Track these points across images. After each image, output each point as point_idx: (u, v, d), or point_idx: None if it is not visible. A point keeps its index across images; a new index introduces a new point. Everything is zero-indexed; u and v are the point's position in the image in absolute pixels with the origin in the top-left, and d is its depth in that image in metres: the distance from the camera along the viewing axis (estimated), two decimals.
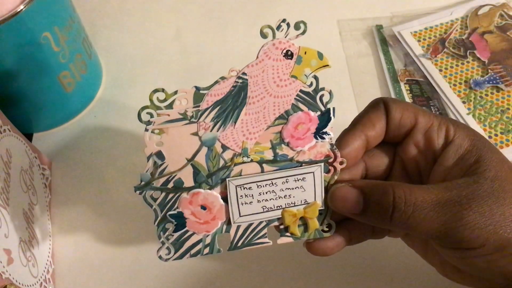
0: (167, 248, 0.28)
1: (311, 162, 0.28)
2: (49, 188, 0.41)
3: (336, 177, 0.28)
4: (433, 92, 0.46)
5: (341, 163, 0.28)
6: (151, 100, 0.25)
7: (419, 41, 0.49)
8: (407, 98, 0.46)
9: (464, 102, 0.45)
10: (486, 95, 0.45)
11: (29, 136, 0.44)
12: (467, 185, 0.25)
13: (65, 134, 0.45)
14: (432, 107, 0.45)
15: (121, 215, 0.40)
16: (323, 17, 0.53)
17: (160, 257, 0.28)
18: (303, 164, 0.28)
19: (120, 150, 0.44)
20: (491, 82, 0.46)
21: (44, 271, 0.35)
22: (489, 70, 0.46)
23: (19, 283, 0.30)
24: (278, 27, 0.25)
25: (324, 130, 0.27)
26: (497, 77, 0.46)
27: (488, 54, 0.48)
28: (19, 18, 0.35)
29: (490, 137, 0.42)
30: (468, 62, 0.47)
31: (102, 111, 0.46)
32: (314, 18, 0.53)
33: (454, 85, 0.46)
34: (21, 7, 0.35)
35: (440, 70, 0.47)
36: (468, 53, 0.48)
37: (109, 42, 0.51)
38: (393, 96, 0.46)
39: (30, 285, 0.32)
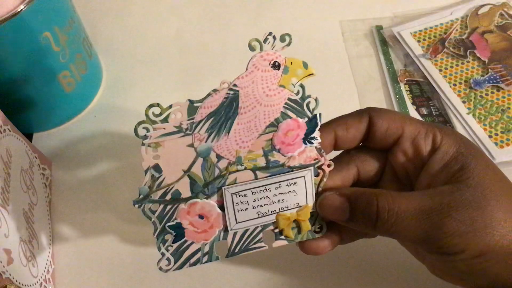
0: (167, 259, 0.28)
1: (301, 167, 0.28)
2: (49, 188, 0.41)
3: (325, 180, 0.29)
4: (433, 92, 0.46)
5: (329, 165, 0.29)
6: (147, 115, 0.25)
7: (419, 41, 0.49)
8: (407, 99, 0.46)
9: (464, 102, 0.45)
10: (486, 94, 0.45)
11: (29, 136, 0.44)
12: (449, 193, 0.26)
13: (65, 134, 0.45)
14: (432, 107, 0.45)
15: (121, 215, 0.40)
16: (325, 18, 0.53)
17: (160, 268, 0.28)
18: (294, 169, 0.28)
19: (120, 150, 0.44)
20: (491, 82, 0.46)
21: (44, 271, 0.35)
22: (489, 70, 0.46)
23: (19, 283, 0.30)
24: (265, 40, 0.26)
25: (312, 136, 0.28)
26: (497, 77, 0.46)
27: (488, 53, 0.47)
28: (19, 18, 0.35)
29: (490, 136, 0.42)
30: (468, 61, 0.47)
31: (102, 111, 0.46)
32: (316, 18, 0.53)
33: (454, 85, 0.46)
34: (21, 7, 0.35)
35: (440, 70, 0.47)
36: (468, 53, 0.48)
37: (109, 42, 0.51)
38: (393, 96, 0.46)
39: (30, 285, 0.32)
